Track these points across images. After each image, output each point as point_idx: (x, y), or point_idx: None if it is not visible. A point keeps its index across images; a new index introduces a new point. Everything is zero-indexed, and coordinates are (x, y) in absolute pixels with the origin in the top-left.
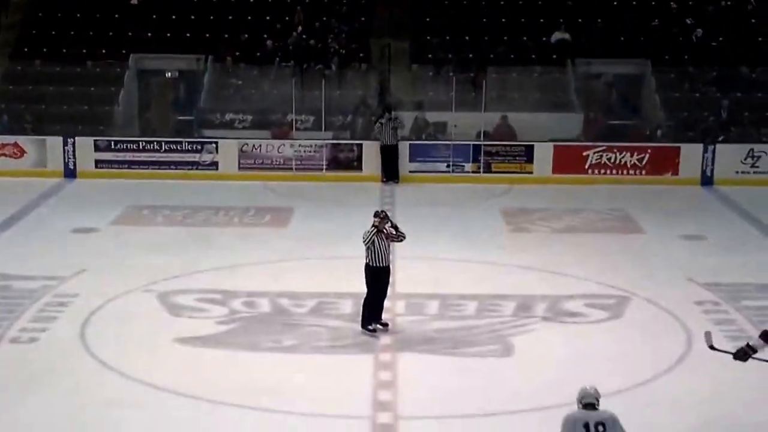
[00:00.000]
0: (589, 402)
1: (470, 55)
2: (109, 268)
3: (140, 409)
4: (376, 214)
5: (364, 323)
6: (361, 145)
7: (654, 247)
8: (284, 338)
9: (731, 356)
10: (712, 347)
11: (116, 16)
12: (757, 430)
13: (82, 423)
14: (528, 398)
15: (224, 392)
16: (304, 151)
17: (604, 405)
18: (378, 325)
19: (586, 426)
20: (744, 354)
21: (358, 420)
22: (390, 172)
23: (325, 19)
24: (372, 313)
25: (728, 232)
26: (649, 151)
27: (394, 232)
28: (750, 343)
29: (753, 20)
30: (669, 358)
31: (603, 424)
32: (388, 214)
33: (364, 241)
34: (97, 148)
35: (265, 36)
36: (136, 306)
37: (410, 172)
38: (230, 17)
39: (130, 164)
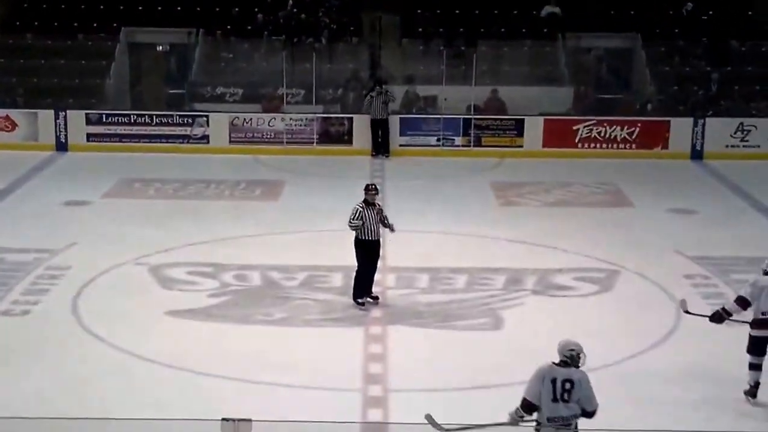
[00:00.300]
0: (563, 359)
1: (461, 29)
2: (100, 241)
3: (131, 381)
4: (366, 188)
5: (355, 296)
6: (351, 118)
7: (643, 220)
8: (275, 311)
9: (707, 319)
10: (687, 312)
11: None
12: (745, 402)
13: (74, 394)
14: (517, 371)
15: (215, 365)
16: (295, 125)
17: (594, 377)
18: (368, 299)
19: (553, 381)
20: (719, 317)
21: (348, 392)
22: (381, 146)
23: None
24: (362, 286)
25: (718, 206)
26: (638, 124)
27: (384, 214)
28: (726, 307)
29: None
30: (658, 331)
31: (570, 382)
32: (379, 187)
33: (353, 215)
34: (88, 122)
35: (256, 9)
36: (127, 279)
37: (400, 146)
38: None
39: (122, 137)
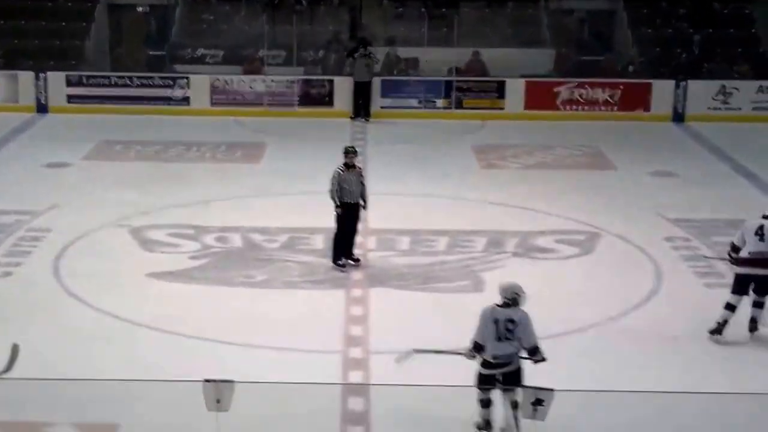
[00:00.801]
0: (505, 300)
1: None
2: (81, 203)
3: (112, 343)
4: (345, 151)
5: (335, 259)
6: (332, 80)
7: (625, 183)
8: (256, 273)
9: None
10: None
11: None
12: (725, 363)
13: (55, 356)
14: None
15: (196, 326)
16: (276, 87)
17: (575, 339)
18: (349, 261)
19: (496, 321)
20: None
21: (329, 354)
22: (361, 109)
23: None
24: (343, 248)
25: (699, 169)
26: (620, 87)
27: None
28: (731, 254)
29: None
30: (638, 293)
31: (512, 321)
32: (359, 150)
33: (332, 183)
34: (69, 83)
35: None
36: (109, 241)
37: (382, 108)
38: None
39: (102, 99)
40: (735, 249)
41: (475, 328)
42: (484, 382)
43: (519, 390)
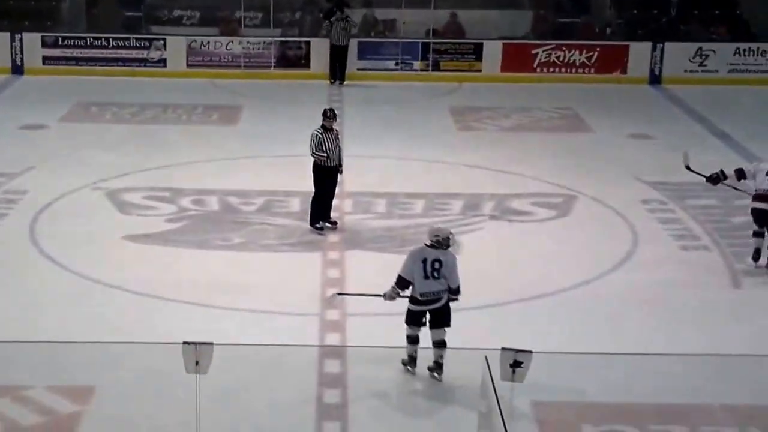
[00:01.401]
0: (433, 242)
1: None
2: (58, 165)
3: (88, 305)
4: (324, 113)
5: (312, 221)
6: (309, 42)
7: (601, 146)
8: (233, 236)
9: (704, 179)
10: (687, 167)
11: None
12: (700, 324)
13: (31, 318)
14: (474, 295)
15: (173, 289)
16: (253, 49)
17: (550, 301)
18: (326, 224)
19: (424, 261)
20: (716, 179)
21: (306, 317)
22: (337, 73)
23: None
24: (320, 211)
25: (676, 131)
26: (597, 49)
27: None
28: (724, 170)
29: None
30: (614, 256)
31: (439, 261)
32: (337, 112)
33: (313, 143)
34: (44, 44)
35: None
36: (85, 203)
37: (358, 69)
38: None
39: (78, 61)
40: (740, 173)
41: (402, 265)
42: (413, 319)
43: (446, 330)
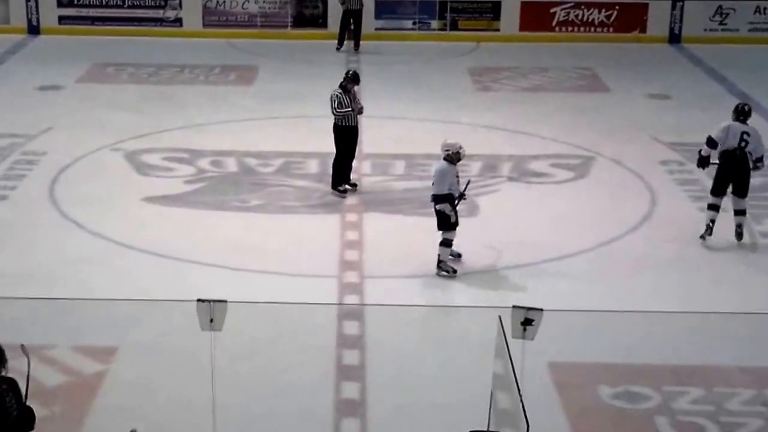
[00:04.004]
0: (444, 156)
1: None
2: (75, 127)
3: (107, 266)
4: (348, 75)
5: (334, 184)
6: (326, 1)
7: (620, 106)
8: (251, 197)
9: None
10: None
11: None
12: (718, 284)
13: (50, 279)
14: (492, 257)
15: (191, 251)
16: (269, 8)
17: (569, 262)
18: (347, 186)
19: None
20: (702, 162)
21: (324, 279)
22: (352, 38)
23: None
24: (341, 173)
25: (695, 91)
26: (616, 8)
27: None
28: (701, 151)
29: None
30: (633, 217)
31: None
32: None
33: (335, 103)
34: (60, 4)
35: None
36: (103, 164)
37: (376, 29)
38: None
39: (94, 20)
40: (711, 143)
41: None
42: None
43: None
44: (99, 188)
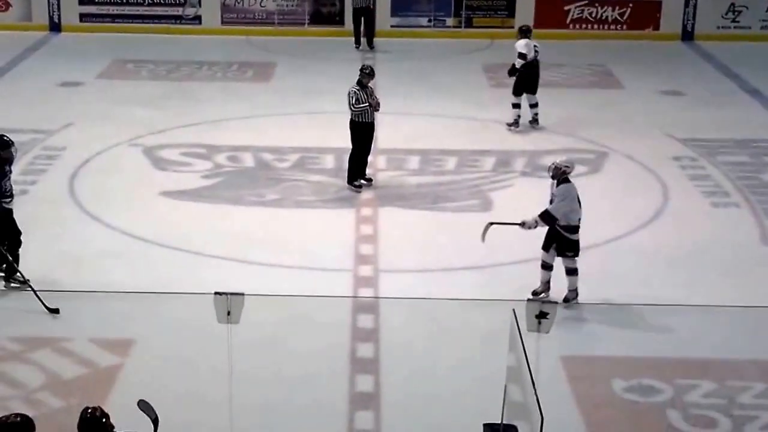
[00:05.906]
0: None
1: None
2: (95, 122)
3: (125, 260)
4: (364, 70)
5: (350, 179)
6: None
7: (633, 102)
8: (267, 192)
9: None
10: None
11: None
12: (731, 279)
13: (70, 272)
14: (505, 252)
15: (208, 245)
16: (287, 5)
17: (581, 257)
18: (363, 181)
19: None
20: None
21: (339, 273)
22: (366, 36)
23: None
24: (357, 168)
25: (707, 88)
26: (630, 5)
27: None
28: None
29: None
30: (645, 212)
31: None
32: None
33: (353, 99)
34: (81, 2)
35: None
36: (122, 159)
37: (391, 26)
38: None
39: (114, 18)
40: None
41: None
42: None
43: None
44: (118, 183)
